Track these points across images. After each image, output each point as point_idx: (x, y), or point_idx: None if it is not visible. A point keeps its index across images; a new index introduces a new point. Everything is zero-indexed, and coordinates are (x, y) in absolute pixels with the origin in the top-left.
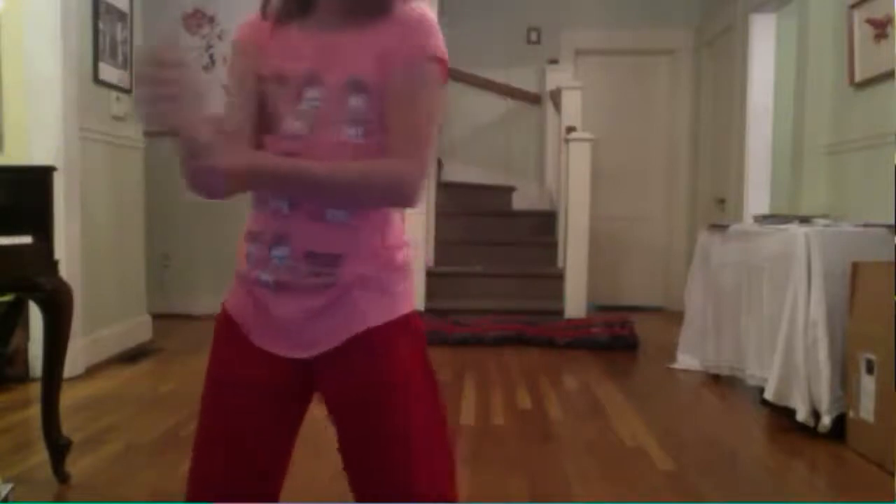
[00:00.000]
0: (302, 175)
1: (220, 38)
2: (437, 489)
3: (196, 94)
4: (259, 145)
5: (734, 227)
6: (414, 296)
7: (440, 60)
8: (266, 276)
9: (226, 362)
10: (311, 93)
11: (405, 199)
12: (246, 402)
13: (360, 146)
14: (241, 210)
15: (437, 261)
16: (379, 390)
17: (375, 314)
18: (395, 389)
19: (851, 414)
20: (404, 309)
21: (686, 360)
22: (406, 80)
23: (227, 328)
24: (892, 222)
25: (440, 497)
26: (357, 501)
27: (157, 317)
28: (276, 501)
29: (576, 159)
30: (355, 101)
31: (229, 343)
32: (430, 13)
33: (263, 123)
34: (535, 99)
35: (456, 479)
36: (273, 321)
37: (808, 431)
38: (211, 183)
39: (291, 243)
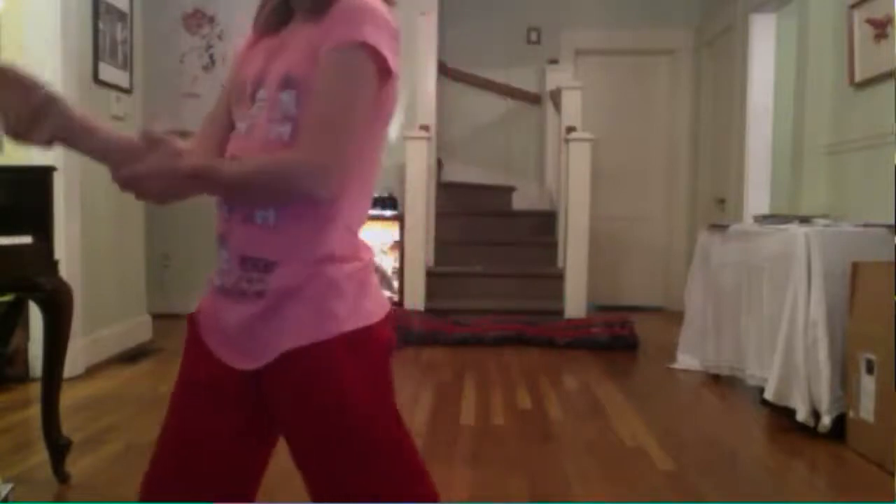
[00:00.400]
0: (212, 174)
1: (220, 38)
2: None
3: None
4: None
5: (734, 227)
6: (374, 308)
7: (369, 47)
8: (217, 280)
9: (189, 363)
10: (260, 94)
11: (306, 192)
12: (203, 404)
13: (288, 144)
14: None
15: (437, 261)
16: (313, 414)
17: (306, 332)
18: (328, 414)
19: (851, 414)
20: (347, 326)
21: (686, 360)
22: (324, 69)
23: (192, 328)
24: (892, 222)
25: None
26: None
27: (157, 317)
28: None
29: (576, 159)
30: (286, 98)
31: (195, 344)
32: (373, 3)
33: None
34: (535, 99)
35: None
36: (220, 326)
37: (808, 431)
38: (146, 188)
39: (229, 246)
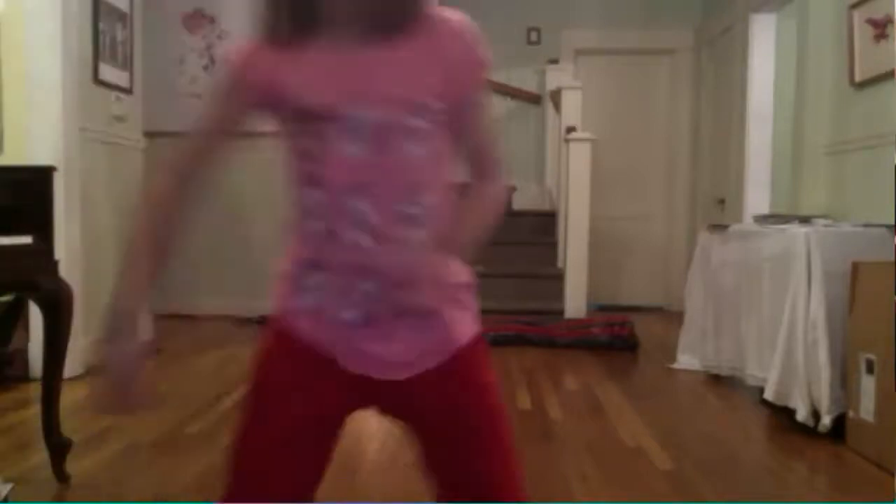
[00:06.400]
0: (477, 237)
1: (220, 38)
2: None
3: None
4: (305, 175)
5: (734, 228)
6: None
7: (486, 65)
8: (349, 313)
9: (301, 389)
10: (365, 115)
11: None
12: (308, 434)
13: (420, 163)
14: (241, 211)
15: None
16: (468, 410)
17: (462, 331)
18: (483, 399)
19: (851, 414)
20: (478, 325)
21: (686, 360)
22: (478, 102)
23: (293, 348)
24: (892, 222)
25: None
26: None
27: (157, 317)
28: None
29: (576, 159)
30: (415, 121)
31: (306, 370)
32: (456, 14)
33: (303, 156)
34: (535, 99)
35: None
36: (359, 348)
37: (808, 431)
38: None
39: (378, 276)
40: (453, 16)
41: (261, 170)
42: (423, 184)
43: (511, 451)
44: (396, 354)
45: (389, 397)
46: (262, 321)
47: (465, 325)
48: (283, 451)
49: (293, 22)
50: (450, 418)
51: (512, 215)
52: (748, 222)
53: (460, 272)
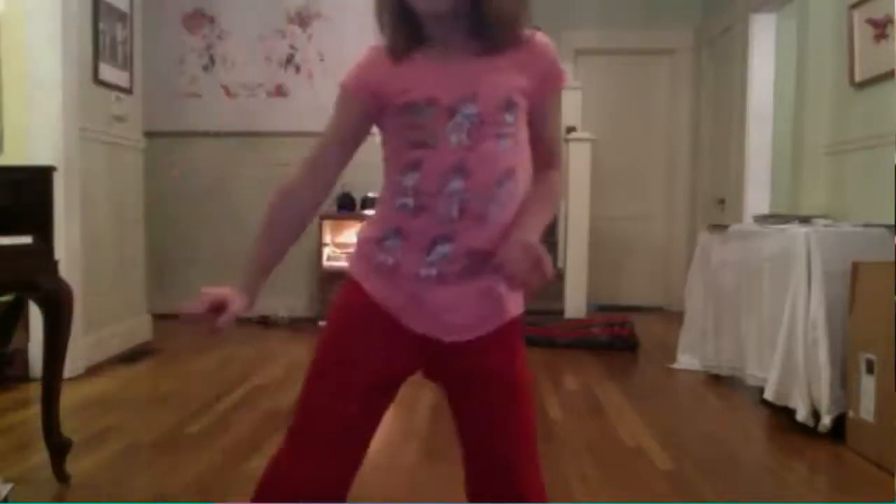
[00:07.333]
0: (544, 225)
1: (220, 38)
2: (542, 489)
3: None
4: (410, 161)
5: (734, 228)
6: None
7: (563, 78)
8: (425, 270)
9: (365, 349)
10: (465, 110)
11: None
12: (365, 392)
13: (507, 152)
14: (241, 211)
15: None
16: (505, 378)
17: (514, 307)
18: (516, 365)
19: (851, 414)
20: (523, 306)
21: (686, 360)
22: (555, 106)
23: (365, 312)
24: (892, 222)
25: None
26: (469, 485)
27: (157, 317)
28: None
29: (576, 159)
30: (509, 118)
31: (372, 330)
32: (544, 38)
33: (396, 146)
34: None
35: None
36: (428, 309)
37: (808, 431)
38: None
39: (455, 242)
40: (541, 38)
41: (262, 172)
42: (508, 169)
43: (533, 417)
44: (462, 317)
45: (444, 358)
46: (262, 321)
47: (516, 303)
48: (343, 395)
49: (406, 41)
50: (491, 381)
51: None
52: (748, 222)
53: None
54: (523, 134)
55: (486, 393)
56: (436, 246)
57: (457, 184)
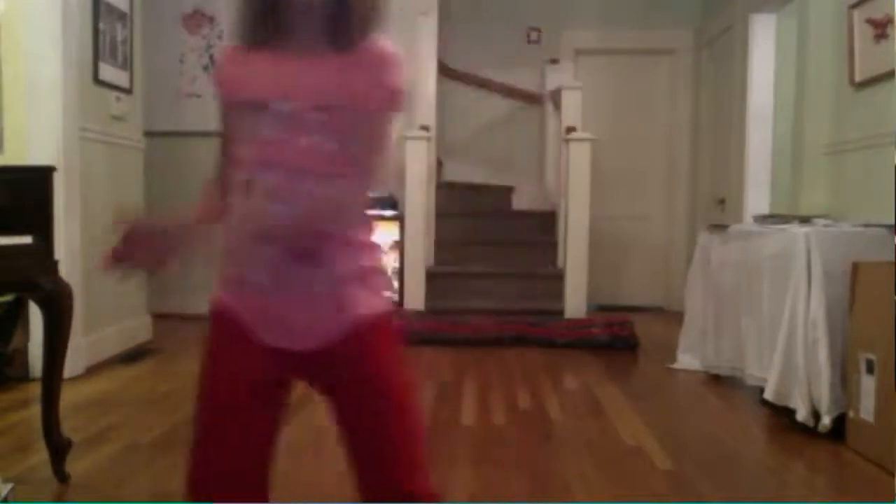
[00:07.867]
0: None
1: (220, 38)
2: (430, 487)
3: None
4: (233, 156)
5: (734, 228)
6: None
7: (400, 92)
8: (254, 276)
9: (231, 359)
10: (286, 106)
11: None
12: (245, 399)
13: (324, 151)
14: None
15: (437, 261)
16: (373, 380)
17: (364, 307)
18: (389, 385)
19: (851, 414)
20: (388, 306)
21: (686, 360)
22: (377, 119)
23: (226, 326)
24: (892, 222)
25: (428, 495)
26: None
27: (157, 317)
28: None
29: (576, 159)
30: (322, 117)
31: (233, 341)
32: (391, 47)
33: (235, 139)
34: (535, 99)
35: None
36: (269, 317)
37: (808, 431)
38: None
39: (274, 244)
40: (389, 48)
41: None
42: (319, 165)
43: (414, 426)
44: (301, 321)
45: (305, 368)
46: None
47: (369, 303)
48: (226, 415)
49: (258, 33)
50: (355, 389)
51: (512, 215)
52: (748, 222)
53: (373, 259)
54: (343, 135)
55: (358, 399)
56: (257, 247)
57: (267, 180)
